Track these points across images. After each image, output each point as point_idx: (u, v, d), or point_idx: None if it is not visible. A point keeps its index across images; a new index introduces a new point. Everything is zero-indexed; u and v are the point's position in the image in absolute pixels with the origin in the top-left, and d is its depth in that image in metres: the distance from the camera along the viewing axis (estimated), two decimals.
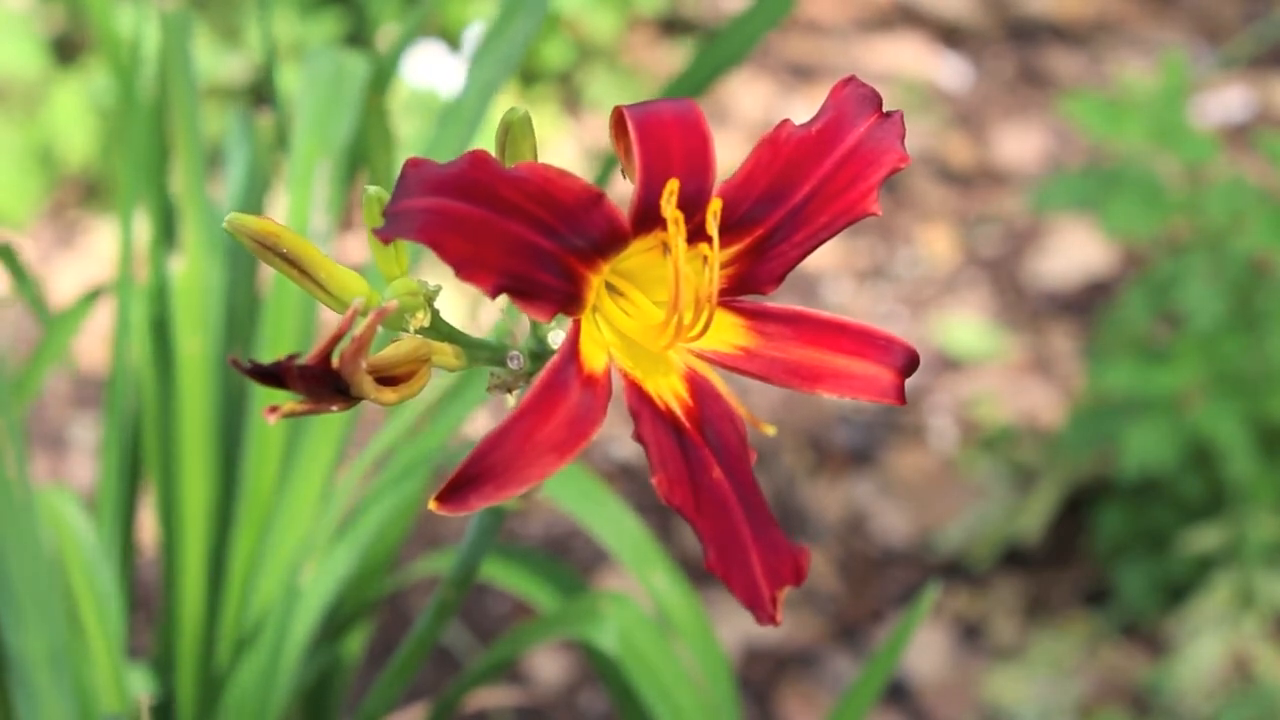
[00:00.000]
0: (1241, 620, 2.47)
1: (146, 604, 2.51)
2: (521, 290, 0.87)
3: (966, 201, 3.35)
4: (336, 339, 0.84)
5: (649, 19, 3.60)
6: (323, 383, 0.85)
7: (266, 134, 1.91)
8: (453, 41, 3.26)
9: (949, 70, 3.61)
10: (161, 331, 1.79)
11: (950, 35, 3.69)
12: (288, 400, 0.85)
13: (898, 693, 2.56)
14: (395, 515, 1.82)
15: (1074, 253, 3.23)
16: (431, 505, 0.85)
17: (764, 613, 0.89)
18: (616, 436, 2.88)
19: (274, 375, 0.84)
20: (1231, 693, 2.44)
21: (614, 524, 1.66)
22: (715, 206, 0.91)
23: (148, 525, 2.44)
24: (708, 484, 0.90)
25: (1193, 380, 2.46)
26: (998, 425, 2.84)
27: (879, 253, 3.26)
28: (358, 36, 3.24)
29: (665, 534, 2.71)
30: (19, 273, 1.81)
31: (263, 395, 1.68)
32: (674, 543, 2.70)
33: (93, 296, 1.84)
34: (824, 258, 3.24)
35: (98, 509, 1.76)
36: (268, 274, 1.76)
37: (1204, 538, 2.48)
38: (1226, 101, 3.52)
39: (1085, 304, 3.15)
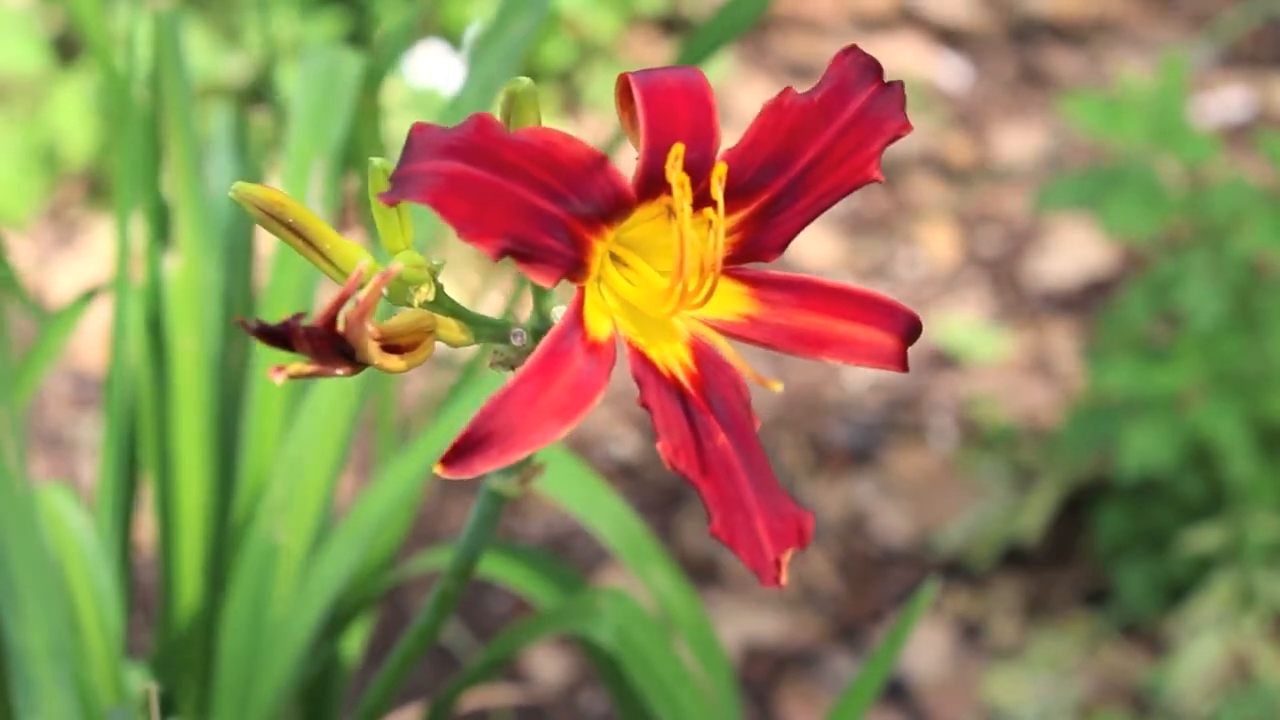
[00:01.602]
0: (1241, 620, 2.47)
1: (145, 604, 2.51)
2: (524, 254, 0.88)
3: (966, 201, 3.35)
4: (342, 301, 0.85)
5: (649, 18, 3.61)
6: (328, 345, 0.85)
7: (262, 133, 1.91)
8: (453, 41, 3.27)
9: (949, 70, 3.61)
10: (158, 331, 1.79)
11: (950, 35, 3.69)
12: (294, 361, 0.86)
13: (897, 692, 2.56)
14: (397, 510, 1.82)
15: (1074, 252, 3.24)
16: (436, 469, 0.86)
17: (768, 575, 0.89)
18: (616, 437, 2.88)
19: (281, 336, 0.85)
20: (1231, 693, 2.44)
21: (614, 522, 1.66)
22: (720, 171, 0.91)
23: (147, 525, 2.43)
24: (712, 449, 0.90)
25: (1193, 380, 2.46)
26: (998, 425, 2.84)
27: (879, 253, 3.26)
28: (359, 36, 3.24)
29: (665, 533, 2.71)
30: (7, 271, 1.81)
31: (260, 394, 1.68)
32: (674, 542, 2.70)
33: (89, 296, 1.84)
34: (824, 257, 3.24)
35: (96, 508, 1.75)
36: (263, 273, 1.76)
37: (1204, 538, 2.48)
38: (1226, 101, 3.52)
39: (1085, 304, 3.15)
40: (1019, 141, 3.47)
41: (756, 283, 0.97)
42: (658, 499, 2.77)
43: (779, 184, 0.95)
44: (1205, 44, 3.63)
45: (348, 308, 0.85)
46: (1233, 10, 3.71)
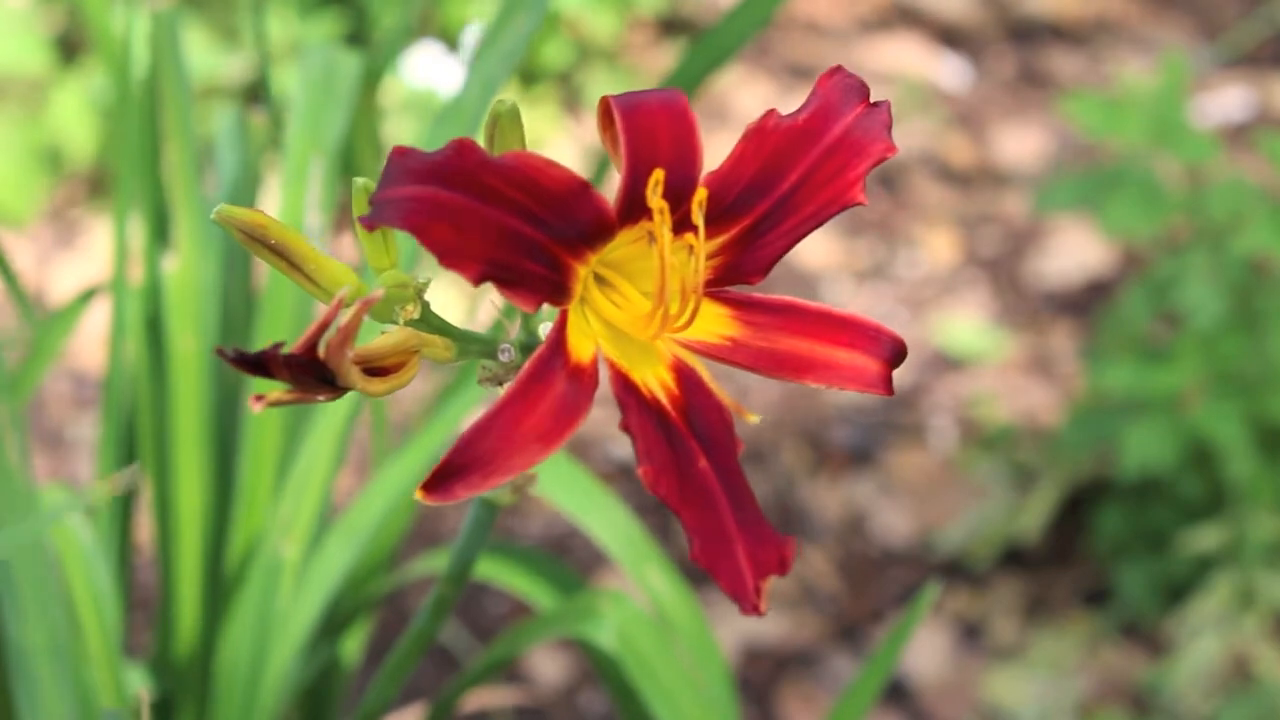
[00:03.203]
0: (1241, 620, 2.47)
1: (145, 604, 2.51)
2: (506, 279, 0.87)
3: (966, 201, 3.34)
4: (323, 328, 0.84)
5: (649, 19, 3.60)
6: (308, 372, 0.85)
7: (260, 133, 1.91)
8: (451, 41, 3.26)
9: (949, 70, 3.61)
10: (157, 331, 1.79)
11: (950, 35, 3.68)
12: (275, 389, 0.85)
13: (898, 693, 2.56)
14: (394, 512, 1.82)
15: (1074, 253, 3.23)
16: (417, 495, 0.85)
17: (748, 603, 0.89)
18: (615, 437, 2.88)
19: (259, 364, 0.84)
20: (1231, 693, 2.44)
21: (611, 524, 1.66)
22: (700, 196, 0.91)
23: (147, 525, 2.44)
24: (694, 474, 0.90)
25: (1193, 380, 2.45)
26: (998, 425, 2.84)
27: (879, 253, 3.26)
28: (358, 36, 3.24)
29: (663, 534, 2.71)
30: (7, 271, 1.81)
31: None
32: (672, 543, 2.70)
33: (88, 296, 1.84)
34: (824, 258, 3.23)
35: (95, 508, 1.75)
36: (262, 273, 1.76)
37: (1204, 538, 2.48)
38: (1226, 101, 3.52)
39: (1085, 304, 3.15)
40: (1019, 142, 3.46)
41: (740, 305, 0.97)
42: (656, 499, 2.76)
43: (763, 207, 0.94)
44: (1207, 47, 3.63)
45: (329, 334, 0.85)
46: (1235, 13, 3.70)
